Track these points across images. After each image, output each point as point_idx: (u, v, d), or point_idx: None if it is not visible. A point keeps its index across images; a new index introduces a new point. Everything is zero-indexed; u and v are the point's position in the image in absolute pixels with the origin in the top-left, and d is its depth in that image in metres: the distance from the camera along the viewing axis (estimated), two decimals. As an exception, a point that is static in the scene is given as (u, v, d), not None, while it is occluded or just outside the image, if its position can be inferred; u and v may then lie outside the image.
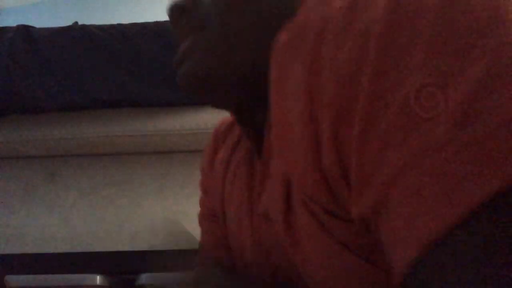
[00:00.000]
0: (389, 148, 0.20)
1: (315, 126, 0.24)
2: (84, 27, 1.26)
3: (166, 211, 1.20)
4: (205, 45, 0.34)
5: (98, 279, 1.10)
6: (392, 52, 0.20)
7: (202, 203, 0.52)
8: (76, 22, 1.32)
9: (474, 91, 0.18)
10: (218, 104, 0.38)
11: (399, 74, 0.20)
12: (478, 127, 0.18)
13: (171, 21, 0.36)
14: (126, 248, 1.17)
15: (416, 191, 0.19)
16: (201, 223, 0.52)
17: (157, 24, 1.22)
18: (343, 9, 0.23)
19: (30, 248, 1.17)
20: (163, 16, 0.38)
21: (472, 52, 0.18)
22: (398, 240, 0.20)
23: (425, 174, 0.19)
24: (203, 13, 0.34)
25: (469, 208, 0.17)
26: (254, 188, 0.39)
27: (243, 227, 0.40)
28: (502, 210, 0.17)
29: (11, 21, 1.36)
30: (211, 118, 1.17)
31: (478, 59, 0.18)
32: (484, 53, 0.18)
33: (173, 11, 0.36)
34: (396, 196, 0.20)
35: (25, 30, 1.24)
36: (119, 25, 1.26)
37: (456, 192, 0.18)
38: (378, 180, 0.21)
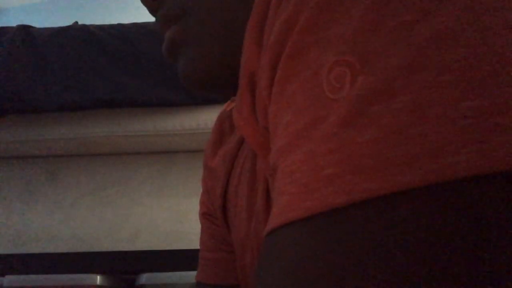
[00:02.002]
0: (288, 113, 0.19)
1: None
2: (84, 27, 1.26)
3: (166, 211, 1.20)
4: (194, 37, 0.32)
5: (98, 279, 1.10)
6: (327, 11, 0.18)
7: (202, 202, 0.51)
8: (76, 22, 1.32)
9: (383, 85, 0.16)
10: (225, 97, 0.37)
11: (324, 39, 0.18)
12: (364, 130, 0.16)
13: (147, 7, 0.35)
14: (126, 248, 1.17)
15: (290, 173, 0.18)
16: (201, 221, 0.52)
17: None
18: None
19: (30, 248, 1.17)
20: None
21: (406, 34, 0.16)
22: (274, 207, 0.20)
23: (299, 159, 0.18)
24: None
25: (313, 211, 0.17)
26: (256, 186, 0.38)
27: (242, 228, 0.39)
28: (334, 226, 0.16)
29: (11, 21, 1.36)
30: (211, 118, 1.17)
31: (406, 44, 0.16)
32: (414, 39, 0.16)
33: None
34: (280, 166, 0.19)
35: (25, 30, 1.24)
36: (119, 25, 1.26)
37: (314, 191, 0.17)
38: (276, 144, 0.20)
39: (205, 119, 1.18)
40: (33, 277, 1.09)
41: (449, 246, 0.14)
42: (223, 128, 0.48)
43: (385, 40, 0.16)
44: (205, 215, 0.50)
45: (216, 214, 0.46)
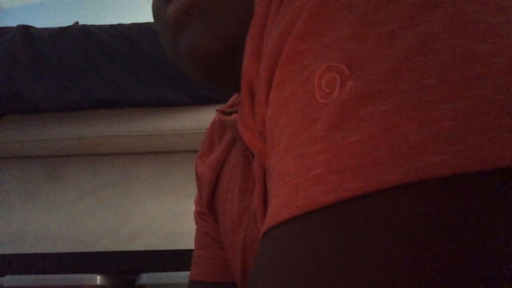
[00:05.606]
0: (282, 118, 0.20)
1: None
2: (84, 27, 1.26)
3: (166, 211, 1.20)
4: (205, 5, 0.32)
5: (98, 279, 1.10)
6: (320, 20, 0.19)
7: (197, 202, 0.53)
8: (77, 22, 1.32)
9: (370, 89, 0.16)
10: (225, 83, 0.36)
11: (317, 46, 0.19)
12: (351, 133, 0.16)
13: None
14: (126, 248, 1.17)
15: (282, 175, 0.19)
16: (195, 220, 0.53)
17: (157, 24, 1.22)
18: None
19: (30, 248, 1.17)
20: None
21: (393, 41, 0.16)
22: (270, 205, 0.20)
23: (290, 162, 0.18)
24: None
25: (301, 210, 0.17)
26: (248, 189, 0.39)
27: (236, 231, 0.40)
28: (322, 224, 0.16)
29: (11, 21, 1.36)
30: (211, 118, 1.17)
31: (393, 50, 0.16)
32: (401, 44, 0.16)
33: None
34: (275, 170, 0.20)
35: (25, 30, 1.24)
36: (119, 25, 1.27)
37: (303, 191, 0.17)
38: (273, 149, 0.21)
39: (205, 119, 1.18)
40: (33, 277, 1.09)
41: (430, 241, 0.15)
42: (213, 138, 0.50)
43: (373, 47, 0.17)
44: (200, 214, 0.51)
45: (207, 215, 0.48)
